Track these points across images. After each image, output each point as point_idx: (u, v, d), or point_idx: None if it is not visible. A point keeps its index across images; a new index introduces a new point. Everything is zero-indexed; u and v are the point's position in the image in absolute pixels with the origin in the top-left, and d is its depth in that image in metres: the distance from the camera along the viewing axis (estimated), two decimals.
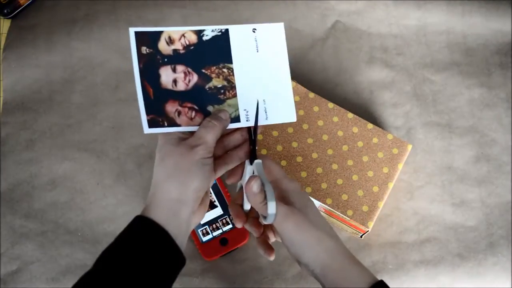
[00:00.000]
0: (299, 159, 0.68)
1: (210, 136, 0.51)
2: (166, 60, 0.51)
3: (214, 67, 0.53)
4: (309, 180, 0.67)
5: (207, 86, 0.53)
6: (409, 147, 0.70)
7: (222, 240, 0.70)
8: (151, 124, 0.51)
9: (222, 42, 0.52)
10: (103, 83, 0.77)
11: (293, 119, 0.55)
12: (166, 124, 0.52)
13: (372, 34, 0.80)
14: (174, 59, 0.52)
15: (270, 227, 0.56)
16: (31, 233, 0.70)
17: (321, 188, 0.67)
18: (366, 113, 0.76)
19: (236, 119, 0.53)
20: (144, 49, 0.51)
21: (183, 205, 0.49)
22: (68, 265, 0.69)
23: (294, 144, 0.69)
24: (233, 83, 0.53)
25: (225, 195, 0.71)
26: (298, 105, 0.70)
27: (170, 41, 0.51)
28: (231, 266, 0.70)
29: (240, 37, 0.53)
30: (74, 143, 0.74)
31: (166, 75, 0.52)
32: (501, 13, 0.80)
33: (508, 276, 0.70)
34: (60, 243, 0.70)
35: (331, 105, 0.71)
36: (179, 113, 0.52)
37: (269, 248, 0.56)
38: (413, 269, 0.70)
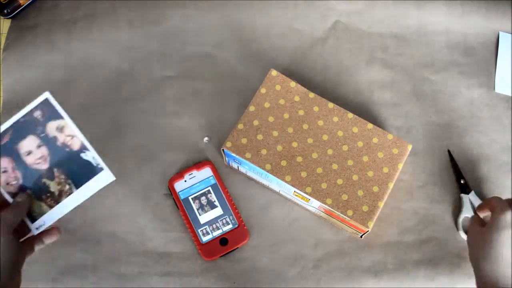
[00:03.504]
0: (299, 159, 0.68)
1: None
2: None
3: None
4: (309, 180, 0.67)
5: None
6: (409, 147, 0.70)
7: (222, 240, 0.70)
8: None
9: None
10: (103, 83, 0.77)
11: None
12: None
13: (372, 34, 0.80)
14: None
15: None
16: None
17: (321, 188, 0.67)
18: (366, 113, 0.76)
19: None
20: None
21: None
22: (68, 265, 0.69)
23: (294, 144, 0.69)
24: None
25: (225, 195, 0.71)
26: (298, 105, 0.70)
27: None
28: (231, 266, 0.70)
29: None
30: None
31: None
32: (501, 13, 0.80)
33: None
34: (60, 243, 0.70)
35: (331, 105, 0.71)
36: None
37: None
38: (413, 269, 0.70)
